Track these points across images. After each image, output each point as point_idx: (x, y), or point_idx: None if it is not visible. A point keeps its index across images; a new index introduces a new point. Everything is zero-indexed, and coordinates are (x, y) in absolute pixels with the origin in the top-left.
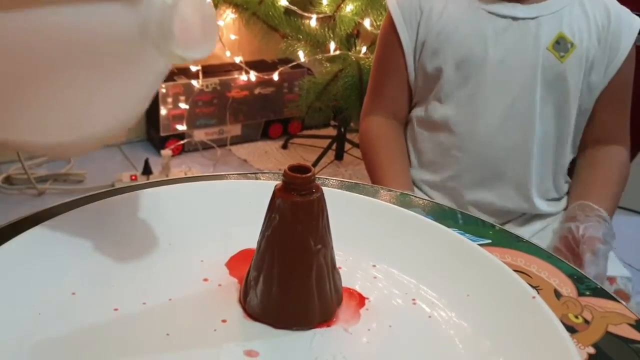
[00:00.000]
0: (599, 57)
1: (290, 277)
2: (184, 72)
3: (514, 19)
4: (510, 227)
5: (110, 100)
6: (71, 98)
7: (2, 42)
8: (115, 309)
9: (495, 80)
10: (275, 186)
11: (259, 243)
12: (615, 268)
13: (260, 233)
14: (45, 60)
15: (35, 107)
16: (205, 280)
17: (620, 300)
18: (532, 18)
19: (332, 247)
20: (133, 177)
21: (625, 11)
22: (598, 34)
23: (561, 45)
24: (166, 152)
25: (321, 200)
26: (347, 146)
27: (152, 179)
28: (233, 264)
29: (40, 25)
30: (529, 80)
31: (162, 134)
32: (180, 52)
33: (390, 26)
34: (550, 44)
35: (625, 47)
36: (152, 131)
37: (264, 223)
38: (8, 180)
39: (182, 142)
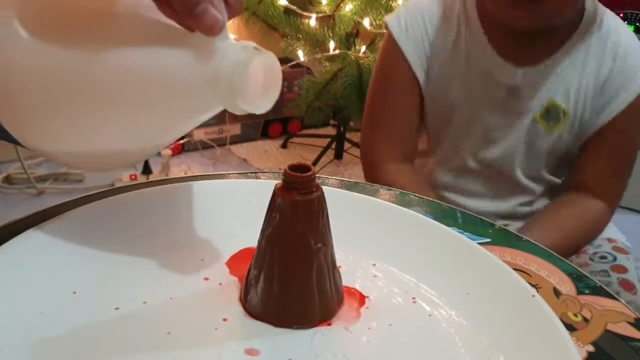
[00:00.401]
0: (594, 111)
1: (290, 275)
2: None
3: (510, 89)
4: None
5: (158, 133)
6: (120, 127)
7: (79, 71)
8: (116, 308)
9: (478, 142)
10: (276, 185)
11: (260, 242)
12: (614, 232)
13: (261, 232)
14: (106, 92)
15: (84, 126)
16: (206, 279)
17: (619, 299)
18: (528, 85)
19: (332, 246)
20: (133, 177)
21: (632, 65)
22: (595, 90)
23: (551, 114)
24: (166, 151)
25: (321, 199)
26: (347, 145)
27: (152, 178)
28: (233, 263)
29: (113, 62)
30: (512, 149)
31: None
32: (244, 106)
33: (393, 49)
34: (539, 113)
35: (620, 103)
36: None
37: (264, 222)
38: (8, 179)
39: (181, 141)
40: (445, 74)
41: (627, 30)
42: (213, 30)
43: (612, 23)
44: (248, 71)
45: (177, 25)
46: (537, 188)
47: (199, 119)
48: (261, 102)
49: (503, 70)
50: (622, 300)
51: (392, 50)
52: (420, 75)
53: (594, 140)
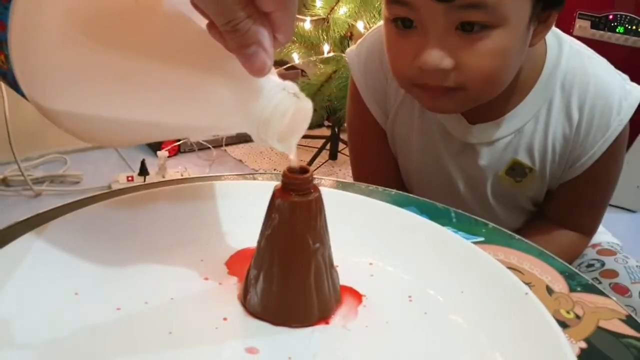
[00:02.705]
0: (567, 164)
1: (289, 275)
2: None
3: (466, 144)
4: None
5: (174, 131)
6: (141, 115)
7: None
8: (118, 309)
9: (444, 186)
10: (275, 187)
11: (259, 242)
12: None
13: (260, 233)
14: (138, 92)
15: (105, 104)
16: (206, 279)
17: (611, 296)
18: (485, 144)
19: (329, 246)
20: (129, 178)
21: (603, 108)
22: (563, 146)
23: (516, 171)
24: (162, 153)
25: (319, 200)
26: (341, 146)
27: (149, 180)
28: (232, 263)
29: (152, 70)
30: (479, 195)
31: None
32: (271, 142)
33: (358, 98)
34: (503, 170)
35: (594, 154)
36: None
37: (263, 223)
38: (4, 181)
39: (178, 142)
40: (405, 121)
41: (597, 65)
42: (260, 73)
43: (578, 65)
44: (284, 119)
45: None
46: (519, 218)
47: (219, 132)
48: (287, 141)
49: (457, 125)
50: (614, 298)
51: (357, 99)
52: (384, 123)
53: (569, 181)
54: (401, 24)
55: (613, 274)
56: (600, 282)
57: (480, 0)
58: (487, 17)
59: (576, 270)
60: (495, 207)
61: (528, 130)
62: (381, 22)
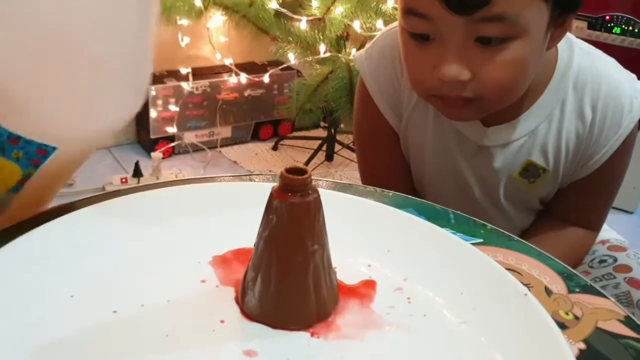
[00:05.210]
0: (579, 164)
1: (287, 277)
2: (173, 74)
3: (481, 147)
4: None
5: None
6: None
7: None
8: (114, 311)
9: (457, 189)
10: (273, 188)
11: (257, 244)
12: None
13: (258, 234)
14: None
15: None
16: (203, 281)
17: (610, 297)
18: (500, 146)
19: (328, 248)
20: (123, 180)
21: (615, 108)
22: (576, 146)
23: (530, 172)
24: (156, 154)
25: (318, 202)
26: (337, 147)
27: (143, 181)
28: (221, 265)
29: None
30: (492, 196)
31: (152, 136)
32: None
33: (369, 103)
34: (517, 172)
35: (606, 152)
36: (142, 133)
37: (261, 224)
38: None
39: (172, 144)
40: (418, 124)
41: (607, 65)
42: None
43: (589, 65)
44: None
45: None
46: (530, 218)
47: None
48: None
49: (471, 128)
50: (612, 299)
51: (368, 103)
52: (397, 127)
53: (579, 179)
54: (419, 35)
55: (627, 268)
56: (614, 277)
57: (500, 13)
58: (507, 30)
59: (574, 271)
60: (507, 208)
61: (542, 131)
62: (392, 25)
